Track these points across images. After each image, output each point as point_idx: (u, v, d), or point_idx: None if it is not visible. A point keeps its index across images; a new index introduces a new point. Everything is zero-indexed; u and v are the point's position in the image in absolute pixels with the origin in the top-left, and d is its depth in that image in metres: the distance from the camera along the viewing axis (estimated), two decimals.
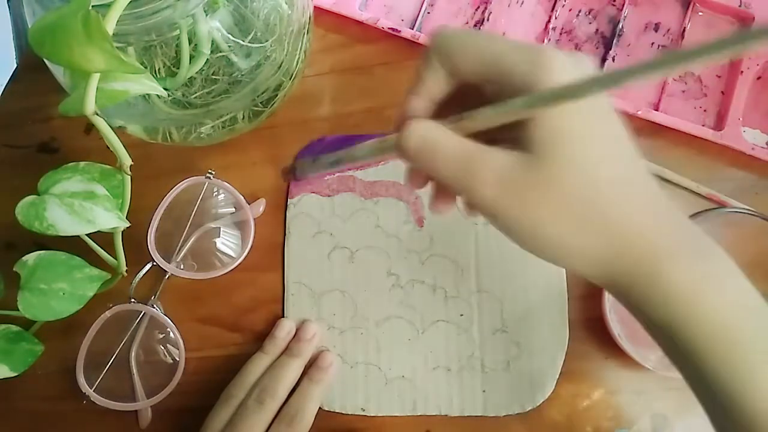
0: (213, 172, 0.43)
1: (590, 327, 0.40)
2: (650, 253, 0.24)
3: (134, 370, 0.41)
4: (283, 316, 0.42)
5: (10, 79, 0.49)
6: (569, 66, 0.23)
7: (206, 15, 0.32)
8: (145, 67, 0.34)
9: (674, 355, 0.25)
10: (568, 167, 0.23)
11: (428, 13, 0.47)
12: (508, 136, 0.24)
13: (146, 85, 0.28)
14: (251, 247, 0.42)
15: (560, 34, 0.45)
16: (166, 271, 0.42)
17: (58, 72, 0.34)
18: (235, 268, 0.42)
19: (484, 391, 0.39)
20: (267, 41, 0.36)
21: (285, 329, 0.40)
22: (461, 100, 0.26)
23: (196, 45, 0.33)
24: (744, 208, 0.39)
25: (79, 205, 0.31)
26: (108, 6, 0.26)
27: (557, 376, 0.39)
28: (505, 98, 0.23)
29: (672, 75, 0.18)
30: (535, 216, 0.24)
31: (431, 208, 0.29)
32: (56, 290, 0.34)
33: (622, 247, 0.24)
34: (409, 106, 0.27)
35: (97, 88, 0.27)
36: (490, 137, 0.24)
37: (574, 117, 0.23)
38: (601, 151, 0.24)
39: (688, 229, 0.25)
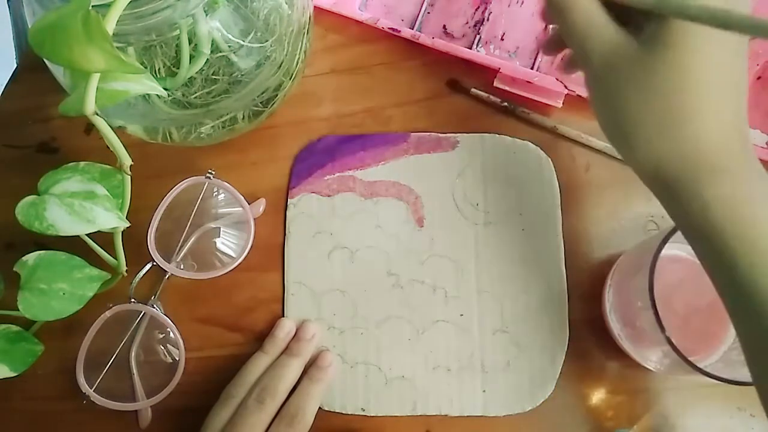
0: (213, 172, 0.43)
1: (590, 327, 0.40)
2: (704, 166, 0.26)
3: (134, 370, 0.41)
4: (283, 316, 0.42)
5: (10, 79, 0.49)
6: None
7: (206, 15, 0.32)
8: (145, 67, 0.34)
9: (708, 259, 0.27)
10: (672, 70, 0.25)
11: (428, 13, 0.47)
12: (638, 27, 0.27)
13: (146, 85, 0.28)
14: (251, 247, 0.42)
15: None
16: (166, 271, 0.42)
17: (58, 72, 0.34)
18: (235, 268, 0.42)
19: (484, 391, 0.39)
20: (267, 41, 0.36)
21: (285, 329, 0.40)
22: None
23: (196, 45, 0.33)
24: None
25: (79, 205, 0.31)
26: (108, 6, 0.26)
27: (557, 376, 0.39)
28: None
29: None
30: (622, 97, 0.26)
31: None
32: (56, 290, 0.34)
33: (681, 151, 0.26)
34: None
35: (97, 88, 0.27)
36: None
37: (702, 31, 0.25)
38: (710, 61, 0.26)
39: (750, 156, 0.27)
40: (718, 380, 0.30)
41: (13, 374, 0.37)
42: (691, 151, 0.26)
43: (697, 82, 0.26)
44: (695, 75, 0.26)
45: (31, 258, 0.35)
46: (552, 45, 0.35)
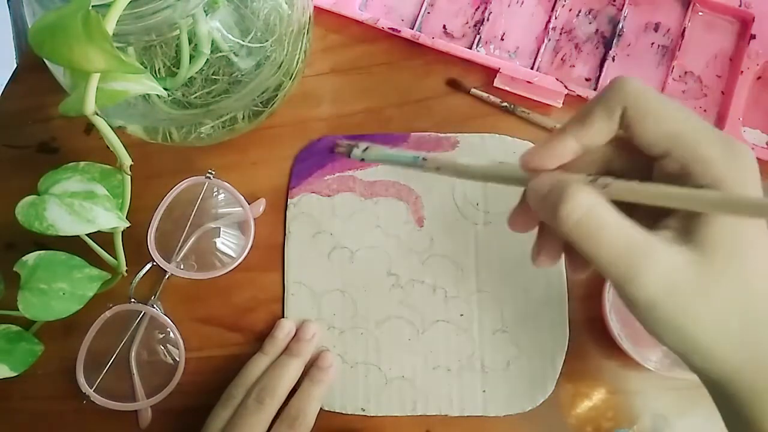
0: (213, 172, 0.43)
1: (590, 327, 0.40)
2: None
3: (134, 370, 0.41)
4: (283, 316, 0.42)
5: (10, 79, 0.49)
6: (756, 170, 0.23)
7: (206, 15, 0.32)
8: (145, 67, 0.34)
9: None
10: (739, 280, 0.22)
11: (428, 13, 0.47)
12: (676, 224, 0.23)
13: (146, 85, 0.28)
14: (251, 247, 0.42)
15: (560, 34, 0.45)
16: (166, 271, 0.42)
17: (58, 72, 0.34)
18: (235, 268, 0.42)
19: (484, 391, 0.39)
20: (267, 41, 0.36)
21: (285, 329, 0.40)
22: (611, 158, 0.25)
23: (196, 45, 0.33)
24: None
25: (79, 205, 0.31)
26: (108, 6, 0.26)
27: (557, 376, 0.39)
28: (684, 182, 0.23)
29: None
30: (690, 320, 0.23)
31: (570, 271, 0.27)
32: (56, 290, 0.34)
33: (759, 362, 0.23)
34: (560, 144, 0.25)
35: (97, 88, 0.27)
36: (643, 212, 0.23)
37: (755, 226, 0.22)
38: None
39: None
40: None
41: (13, 374, 0.37)
42: (758, 358, 0.23)
43: (762, 277, 0.23)
44: (759, 270, 0.23)
45: (31, 258, 0.35)
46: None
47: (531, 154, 0.25)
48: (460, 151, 0.43)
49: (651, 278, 0.22)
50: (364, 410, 0.40)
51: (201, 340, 0.42)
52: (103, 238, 0.34)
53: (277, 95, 0.40)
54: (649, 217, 0.24)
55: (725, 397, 0.25)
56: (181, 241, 0.42)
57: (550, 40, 0.45)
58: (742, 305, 0.23)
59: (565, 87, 0.42)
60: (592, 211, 0.22)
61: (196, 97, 0.36)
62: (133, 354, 0.41)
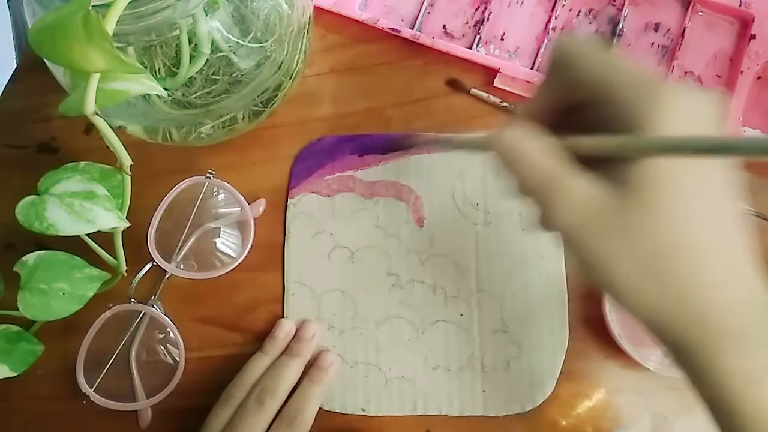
0: (213, 172, 0.43)
1: (590, 327, 0.40)
2: (716, 330, 0.23)
3: (134, 370, 0.41)
4: (283, 316, 0.42)
5: (10, 79, 0.49)
6: (687, 111, 0.22)
7: (206, 15, 0.32)
8: (145, 67, 0.34)
9: (718, 425, 0.24)
10: (661, 218, 0.22)
11: (428, 13, 0.47)
12: (606, 166, 0.23)
13: (146, 85, 0.28)
14: (251, 247, 0.42)
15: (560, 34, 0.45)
16: (166, 271, 0.42)
17: (58, 72, 0.34)
18: (235, 268, 0.42)
19: (484, 391, 0.39)
20: (267, 41, 0.36)
21: (285, 329, 0.40)
22: (577, 116, 0.25)
23: (196, 45, 0.33)
24: (744, 208, 0.39)
25: (79, 205, 0.31)
26: (108, 6, 0.26)
27: (557, 376, 0.39)
28: (608, 128, 0.23)
29: None
30: (610, 257, 0.23)
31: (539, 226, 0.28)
32: (56, 290, 0.34)
33: (688, 315, 0.23)
34: (524, 106, 0.26)
35: (97, 88, 0.27)
36: (588, 163, 0.24)
37: (681, 166, 0.22)
38: (700, 209, 0.22)
39: (764, 307, 0.23)
40: None
41: (13, 374, 0.37)
42: (693, 306, 0.23)
43: (684, 221, 0.22)
44: (681, 212, 0.22)
45: (31, 258, 0.35)
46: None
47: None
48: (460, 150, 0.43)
49: (566, 205, 0.23)
50: (364, 410, 0.40)
51: (201, 340, 0.42)
52: (103, 238, 0.34)
53: (277, 95, 0.40)
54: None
55: (673, 352, 0.24)
56: (181, 241, 0.42)
57: (550, 40, 0.45)
58: (659, 243, 0.22)
59: None
60: (517, 141, 0.25)
61: (196, 97, 0.36)
62: (133, 354, 0.41)
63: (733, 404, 0.23)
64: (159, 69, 0.35)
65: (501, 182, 0.26)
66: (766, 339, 0.23)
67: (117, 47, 0.26)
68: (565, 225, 0.24)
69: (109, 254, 0.36)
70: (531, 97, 0.27)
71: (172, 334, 0.41)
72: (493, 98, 0.44)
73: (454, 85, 0.45)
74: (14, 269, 0.35)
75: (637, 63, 0.24)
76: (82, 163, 0.34)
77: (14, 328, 0.38)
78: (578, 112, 0.25)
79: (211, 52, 0.34)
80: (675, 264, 0.22)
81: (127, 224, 0.33)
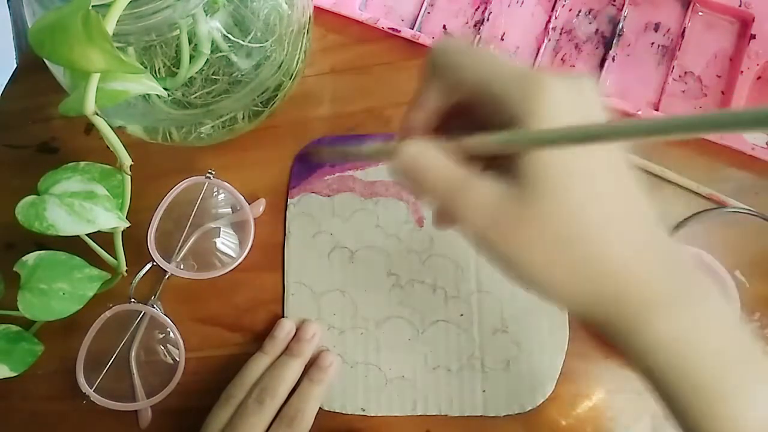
0: (213, 172, 0.43)
1: (590, 327, 0.40)
2: (633, 304, 0.23)
3: (134, 370, 0.41)
4: (283, 316, 0.42)
5: (10, 79, 0.49)
6: (565, 100, 0.22)
7: (206, 15, 0.32)
8: (145, 67, 0.34)
9: (659, 396, 0.24)
10: (557, 205, 0.22)
11: (428, 13, 0.47)
12: (501, 164, 0.24)
13: (146, 85, 0.28)
14: (251, 247, 0.42)
15: (560, 34, 0.45)
16: (166, 271, 0.42)
17: (58, 72, 0.34)
18: (235, 268, 0.42)
19: (484, 391, 0.39)
20: (267, 41, 0.36)
21: (285, 329, 0.40)
22: (465, 116, 0.25)
23: (196, 45, 0.33)
24: (744, 208, 0.39)
25: (79, 205, 0.31)
26: (108, 6, 0.26)
27: (557, 376, 0.39)
28: (495, 125, 0.23)
29: (668, 139, 0.17)
30: (518, 252, 0.23)
31: (434, 224, 0.28)
32: (56, 290, 0.34)
33: (604, 295, 0.23)
34: (409, 117, 0.26)
35: (97, 88, 0.27)
36: (489, 160, 0.24)
37: (567, 151, 0.22)
38: (593, 189, 0.22)
39: (677, 272, 0.24)
40: None
41: (13, 374, 0.37)
42: (607, 282, 0.23)
43: (579, 202, 0.22)
44: (574, 195, 0.22)
45: (31, 258, 0.35)
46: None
47: (397, 133, 0.27)
48: None
49: (470, 209, 0.23)
50: (364, 410, 0.40)
51: (201, 340, 0.42)
52: (103, 238, 0.34)
53: (277, 95, 0.40)
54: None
55: (607, 336, 0.24)
56: (181, 241, 0.42)
57: (550, 40, 0.45)
58: (560, 228, 0.22)
59: None
60: (417, 157, 0.24)
61: (196, 97, 0.36)
62: (133, 354, 0.41)
63: (662, 370, 0.23)
64: (159, 69, 0.35)
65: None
66: (683, 300, 0.23)
67: (117, 47, 0.26)
68: (474, 227, 0.24)
69: (109, 254, 0.36)
70: (414, 105, 0.26)
71: (172, 334, 0.41)
72: None
73: None
74: (14, 269, 0.35)
75: (513, 59, 0.24)
76: (82, 163, 0.34)
77: (14, 328, 0.38)
78: (464, 113, 0.25)
79: (211, 52, 0.34)
80: (580, 245, 0.22)
81: (127, 224, 0.33)
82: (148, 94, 0.35)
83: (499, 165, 0.24)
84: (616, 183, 0.23)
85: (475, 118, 0.25)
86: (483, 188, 0.23)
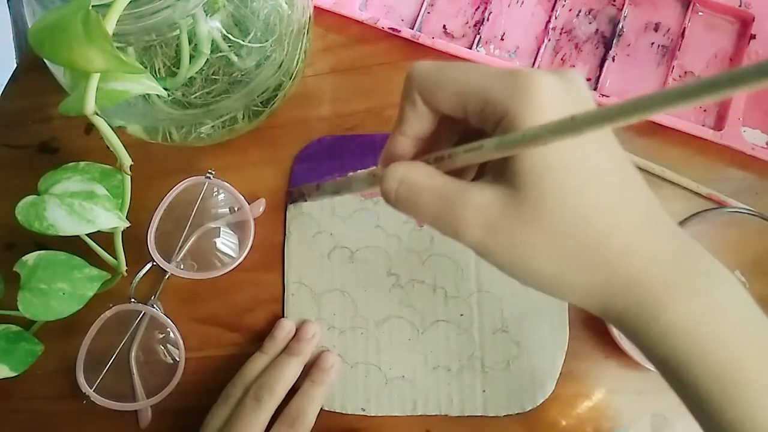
0: (213, 172, 0.43)
1: (590, 327, 0.40)
2: (646, 289, 0.23)
3: (134, 370, 0.41)
4: (283, 316, 0.42)
5: (10, 79, 0.49)
6: (552, 92, 0.22)
7: (206, 15, 0.32)
8: (145, 67, 0.34)
9: (677, 387, 0.24)
10: (553, 201, 0.22)
11: (428, 13, 0.47)
12: (494, 166, 0.23)
13: (146, 85, 0.28)
14: (251, 247, 0.42)
15: (560, 34, 0.45)
16: (166, 271, 0.42)
17: (58, 72, 0.34)
18: (235, 268, 0.42)
19: (484, 391, 0.39)
20: (267, 41, 0.36)
21: (285, 329, 0.40)
22: (450, 132, 0.25)
23: (196, 45, 0.33)
24: (744, 208, 0.39)
25: (79, 205, 0.31)
26: (108, 6, 0.26)
27: (557, 376, 0.39)
28: (489, 130, 0.22)
29: (655, 115, 0.17)
30: (524, 255, 0.23)
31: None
32: (56, 290, 0.34)
33: (616, 283, 0.23)
34: (394, 145, 0.25)
35: (97, 88, 0.27)
36: (479, 168, 0.23)
37: (554, 146, 0.21)
38: (588, 180, 0.22)
39: (688, 255, 0.23)
40: None
41: (13, 374, 0.37)
42: (616, 272, 0.22)
43: (575, 196, 0.22)
44: (570, 190, 0.22)
45: (31, 258, 0.35)
46: None
47: (381, 158, 0.26)
48: None
49: (469, 221, 0.23)
50: (364, 410, 0.40)
51: (201, 340, 0.42)
52: (103, 238, 0.34)
53: (277, 95, 0.40)
54: None
55: (621, 328, 0.24)
56: (181, 241, 0.42)
57: (550, 40, 0.45)
58: (561, 224, 0.22)
59: None
60: (406, 180, 0.23)
61: (196, 97, 0.36)
62: (133, 354, 0.41)
63: (679, 356, 0.22)
64: (159, 69, 0.35)
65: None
66: (696, 283, 0.23)
67: (117, 47, 0.26)
68: (475, 239, 0.23)
69: (109, 254, 0.36)
70: (396, 133, 0.25)
71: (172, 334, 0.41)
72: None
73: None
74: (14, 269, 0.35)
75: (490, 65, 0.24)
76: (82, 163, 0.34)
77: (14, 328, 0.38)
78: (452, 127, 0.25)
79: (211, 52, 0.34)
80: (585, 235, 0.22)
81: (127, 224, 0.33)
82: (148, 94, 0.35)
83: (490, 170, 0.24)
84: (614, 170, 0.23)
85: (462, 131, 0.24)
86: (479, 197, 0.23)
